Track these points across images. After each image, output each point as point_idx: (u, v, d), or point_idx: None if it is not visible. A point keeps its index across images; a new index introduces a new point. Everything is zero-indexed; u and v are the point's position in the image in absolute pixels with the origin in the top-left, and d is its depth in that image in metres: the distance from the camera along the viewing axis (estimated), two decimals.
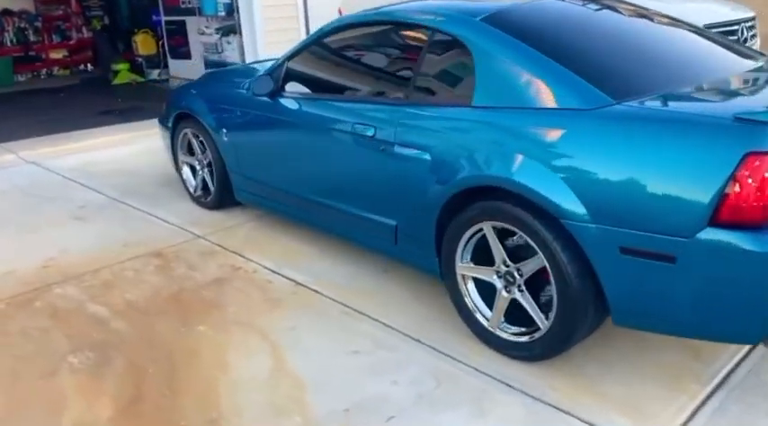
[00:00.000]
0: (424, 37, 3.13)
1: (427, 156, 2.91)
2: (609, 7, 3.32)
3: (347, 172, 3.39)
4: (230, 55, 7.94)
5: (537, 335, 2.66)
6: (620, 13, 3.28)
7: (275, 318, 3.21)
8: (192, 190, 4.79)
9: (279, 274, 3.66)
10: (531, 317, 2.68)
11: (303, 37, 7.55)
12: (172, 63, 9.49)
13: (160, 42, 9.83)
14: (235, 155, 4.18)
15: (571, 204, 2.39)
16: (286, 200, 3.92)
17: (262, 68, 4.62)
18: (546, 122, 2.56)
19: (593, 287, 2.45)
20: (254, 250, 3.98)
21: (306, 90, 3.71)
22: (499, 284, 2.76)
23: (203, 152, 4.57)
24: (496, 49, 2.81)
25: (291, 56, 3.81)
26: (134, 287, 3.57)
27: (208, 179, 4.61)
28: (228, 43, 7.91)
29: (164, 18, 9.22)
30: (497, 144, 2.67)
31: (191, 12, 8.51)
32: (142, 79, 10.21)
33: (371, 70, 3.46)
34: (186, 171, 4.83)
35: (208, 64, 8.31)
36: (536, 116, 2.60)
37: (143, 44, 10.09)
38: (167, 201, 4.88)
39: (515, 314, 2.75)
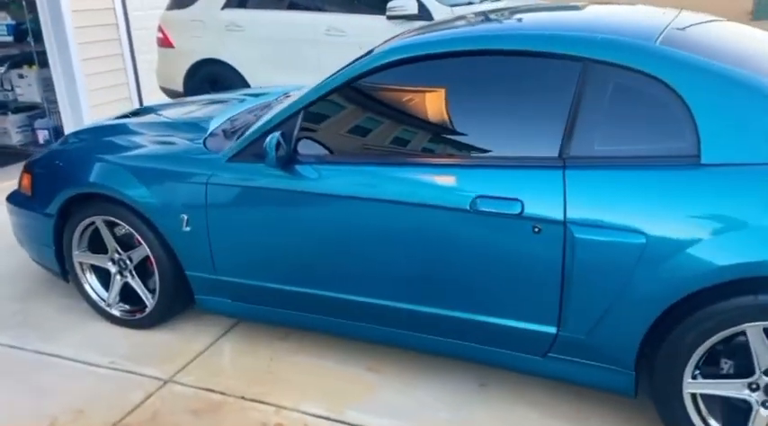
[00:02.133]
0: (571, 70, 2.24)
1: (639, 240, 2.05)
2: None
3: (454, 263, 2.36)
4: (25, 93, 5.95)
5: None
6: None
7: None
8: (103, 304, 3.22)
9: (348, 424, 2.48)
10: None
11: (128, 63, 5.97)
12: None
13: None
14: (205, 249, 2.82)
15: None
16: (320, 309, 2.71)
17: (191, 114, 3.32)
18: None
19: None
20: (277, 388, 2.70)
21: (353, 151, 2.56)
22: None
23: (129, 248, 3.08)
24: (720, 85, 2.06)
25: (313, 101, 2.61)
26: None
27: (137, 286, 3.11)
28: (22, 77, 5.91)
29: None
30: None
31: None
32: None
33: (475, 118, 2.43)
34: (89, 278, 3.24)
35: None
36: None
37: None
38: (69, 326, 3.23)
39: None
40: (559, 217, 2.15)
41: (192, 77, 6.76)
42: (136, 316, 3.17)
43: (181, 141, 3.02)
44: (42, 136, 6.12)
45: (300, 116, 2.62)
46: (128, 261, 3.12)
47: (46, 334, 3.17)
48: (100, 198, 3.02)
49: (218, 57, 6.53)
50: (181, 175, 2.82)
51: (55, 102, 5.94)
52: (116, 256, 3.15)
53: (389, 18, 5.69)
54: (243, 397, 2.65)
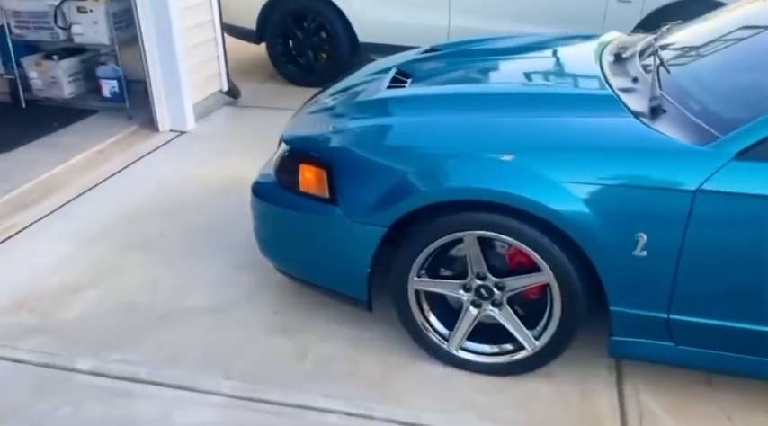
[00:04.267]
0: None
1: None
2: None
3: None
4: (86, 32, 4.58)
5: None
6: None
7: None
8: (445, 345, 2.37)
9: None
10: None
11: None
12: None
13: None
14: (663, 280, 2.01)
15: None
16: None
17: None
18: None
19: None
20: None
21: None
22: None
23: (499, 273, 2.23)
24: None
25: None
26: None
27: (510, 322, 2.27)
28: (83, 12, 4.53)
29: None
30: None
31: None
32: None
33: None
34: (426, 312, 2.37)
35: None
36: None
37: None
38: (402, 378, 2.36)
39: None
40: None
41: (271, 12, 5.58)
42: (498, 361, 2.35)
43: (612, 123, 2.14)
44: (108, 87, 4.83)
45: None
46: (494, 290, 2.27)
47: (383, 391, 2.30)
48: (475, 207, 2.13)
49: None
50: (646, 179, 1.97)
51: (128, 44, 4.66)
52: (475, 283, 2.28)
53: None
54: None
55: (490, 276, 2.25)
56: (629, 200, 1.99)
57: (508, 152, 2.09)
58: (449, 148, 2.17)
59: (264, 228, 2.64)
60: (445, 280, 2.33)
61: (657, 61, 2.35)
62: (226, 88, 5.23)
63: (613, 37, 3.03)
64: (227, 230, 3.35)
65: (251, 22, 5.66)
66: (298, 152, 2.45)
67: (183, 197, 3.73)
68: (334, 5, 5.36)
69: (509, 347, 2.33)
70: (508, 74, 2.66)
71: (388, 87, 2.64)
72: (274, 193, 2.52)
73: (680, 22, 2.96)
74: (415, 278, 2.30)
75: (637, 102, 2.21)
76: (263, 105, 5.31)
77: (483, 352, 2.38)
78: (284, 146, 2.55)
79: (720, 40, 2.53)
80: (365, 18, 5.34)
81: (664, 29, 2.87)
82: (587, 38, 3.05)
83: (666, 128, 2.05)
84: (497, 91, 2.46)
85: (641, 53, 2.63)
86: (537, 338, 2.27)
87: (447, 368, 2.42)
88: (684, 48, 2.63)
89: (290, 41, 5.74)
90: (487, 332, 2.36)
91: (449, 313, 2.40)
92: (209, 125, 4.89)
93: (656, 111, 2.13)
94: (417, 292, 2.34)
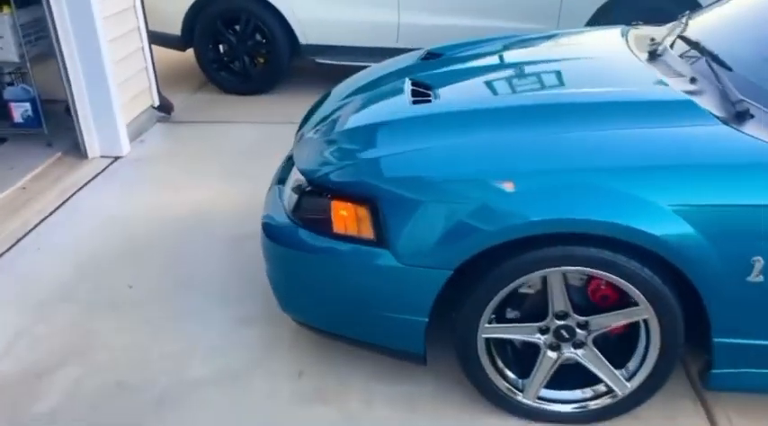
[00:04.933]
0: None
1: None
2: None
3: None
4: None
5: None
6: None
7: None
8: (520, 396, 2.05)
9: None
10: None
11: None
12: None
13: None
14: None
15: None
16: None
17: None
18: None
19: None
20: None
21: None
22: None
23: (608, 308, 1.94)
24: None
25: None
26: None
27: (596, 365, 1.99)
28: None
29: None
30: None
31: None
32: None
33: None
34: (496, 359, 2.04)
35: None
36: None
37: None
38: None
39: None
40: None
41: (198, 15, 5.02)
42: (582, 408, 2.07)
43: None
44: (20, 111, 4.12)
45: None
46: (577, 330, 1.98)
47: None
48: (562, 240, 1.83)
49: None
50: (762, 196, 1.74)
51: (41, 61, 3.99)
52: (554, 323, 1.98)
53: None
54: None
55: (574, 315, 1.96)
56: (742, 221, 1.76)
57: (507, 179, 1.81)
58: (530, 172, 1.85)
59: (286, 278, 2.22)
60: (520, 325, 2.01)
61: (709, 57, 2.14)
62: (157, 103, 4.64)
63: (622, 30, 2.82)
64: (206, 274, 2.87)
65: (175, 27, 5.08)
66: (327, 187, 2.05)
67: (141, 236, 3.20)
68: (271, 5, 4.87)
69: (596, 391, 2.05)
70: (548, 80, 2.36)
71: (414, 102, 2.29)
72: (298, 237, 2.10)
73: (695, 11, 2.78)
74: (486, 325, 1.97)
75: (716, 107, 1.98)
76: (201, 119, 4.76)
77: (563, 400, 2.08)
78: (302, 180, 2.14)
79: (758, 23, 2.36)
80: (306, 18, 4.90)
81: (682, 18, 2.67)
82: (581, 32, 2.83)
83: (763, 135, 1.83)
84: (554, 101, 2.14)
85: (672, 48, 2.43)
86: (628, 379, 2.00)
87: (521, 420, 2.11)
88: (724, 38, 2.44)
89: (221, 46, 5.21)
90: (560, 376, 2.08)
91: (519, 359, 2.10)
92: (145, 147, 4.31)
93: (742, 116, 1.91)
94: (487, 340, 2.02)
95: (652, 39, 2.62)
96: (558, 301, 1.94)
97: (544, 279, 1.92)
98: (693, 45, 2.33)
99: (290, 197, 2.20)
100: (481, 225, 1.83)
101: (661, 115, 1.96)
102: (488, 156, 1.93)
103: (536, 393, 2.06)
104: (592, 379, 2.05)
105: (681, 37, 2.48)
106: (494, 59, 2.66)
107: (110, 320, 2.59)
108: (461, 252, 1.87)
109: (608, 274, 1.84)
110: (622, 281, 1.84)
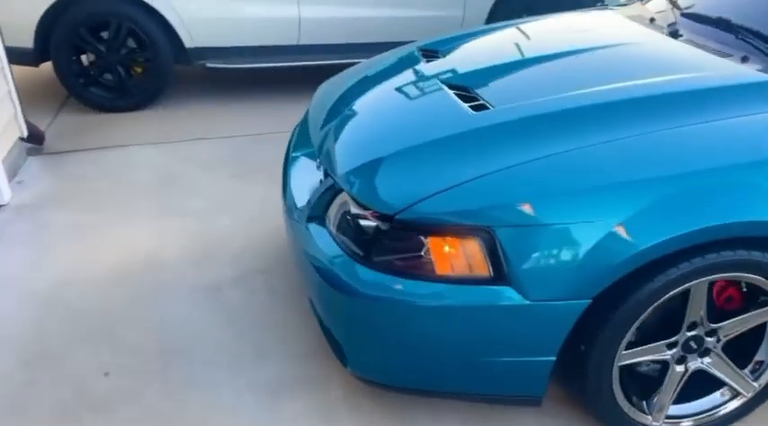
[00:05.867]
0: None
1: None
2: None
3: None
4: None
5: None
6: None
7: None
8: (649, 420, 1.85)
9: None
10: None
11: None
12: None
13: None
14: None
15: None
16: None
17: None
18: None
19: None
20: None
21: None
22: None
23: (738, 311, 1.79)
24: None
25: None
26: None
27: (724, 371, 1.85)
28: None
29: None
30: None
31: None
32: None
33: None
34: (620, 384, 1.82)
35: None
36: None
37: None
38: None
39: None
40: None
41: (54, 23, 4.17)
42: (709, 417, 1.92)
43: None
44: None
45: None
46: (705, 338, 1.82)
47: None
48: (714, 246, 1.64)
49: None
50: None
51: None
52: (684, 336, 1.80)
53: None
54: None
55: (707, 323, 1.79)
56: None
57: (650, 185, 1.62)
58: (672, 176, 1.63)
59: (368, 335, 1.80)
60: (653, 344, 1.81)
61: (746, 32, 2.08)
62: (26, 133, 3.79)
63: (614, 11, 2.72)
64: (194, 343, 2.33)
65: (26, 40, 4.18)
66: (421, 223, 1.67)
67: (86, 307, 2.53)
68: (147, 6, 4.18)
69: (722, 398, 1.92)
70: (604, 71, 2.14)
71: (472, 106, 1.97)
72: (385, 285, 1.70)
73: None
74: (623, 352, 1.75)
75: None
76: (84, 146, 3.98)
77: (687, 414, 1.92)
78: (367, 214, 1.74)
79: None
80: (192, 18, 4.27)
81: None
82: (562, 16, 2.70)
83: None
84: (644, 94, 1.89)
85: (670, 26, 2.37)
86: (755, 379, 1.89)
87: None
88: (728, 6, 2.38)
89: (85, 57, 4.41)
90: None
91: (634, 381, 1.90)
92: (28, 189, 3.48)
93: None
94: (621, 368, 1.79)
95: (652, 20, 2.54)
96: (695, 311, 1.76)
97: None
98: (713, 21, 2.26)
99: (355, 238, 1.79)
100: (631, 240, 1.59)
101: (759, 98, 1.84)
102: (616, 163, 1.68)
103: (665, 412, 1.88)
104: (708, 388, 1.91)
105: (689, 14, 2.42)
106: (515, 53, 2.40)
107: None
108: (605, 276, 1.61)
109: (756, 276, 1.70)
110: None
